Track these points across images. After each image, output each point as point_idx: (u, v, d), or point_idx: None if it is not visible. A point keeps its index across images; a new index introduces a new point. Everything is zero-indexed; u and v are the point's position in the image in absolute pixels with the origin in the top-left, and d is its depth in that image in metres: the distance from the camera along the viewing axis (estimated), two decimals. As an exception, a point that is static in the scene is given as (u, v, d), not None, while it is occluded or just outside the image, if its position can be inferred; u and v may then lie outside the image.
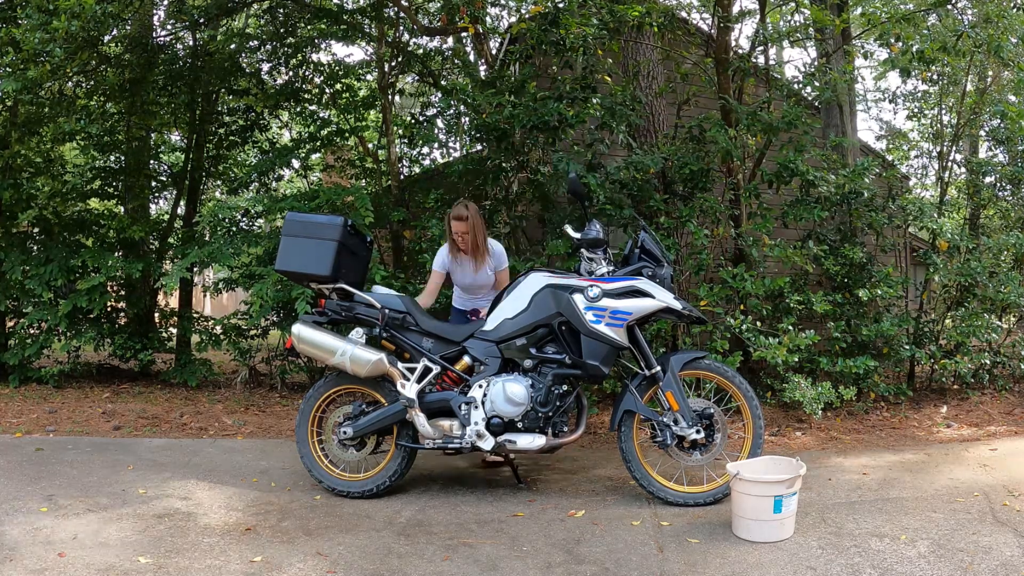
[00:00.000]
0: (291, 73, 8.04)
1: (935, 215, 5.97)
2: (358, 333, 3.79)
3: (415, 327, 3.84)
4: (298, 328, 3.78)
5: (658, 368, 3.69)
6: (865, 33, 7.04)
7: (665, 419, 3.65)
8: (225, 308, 15.69)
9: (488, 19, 6.92)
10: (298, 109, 8.03)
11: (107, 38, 6.72)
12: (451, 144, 8.37)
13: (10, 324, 6.96)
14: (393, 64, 7.66)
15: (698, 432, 3.62)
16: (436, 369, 3.75)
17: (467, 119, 6.94)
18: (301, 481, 4.02)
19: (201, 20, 7.59)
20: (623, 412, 3.70)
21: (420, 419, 3.66)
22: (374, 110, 8.69)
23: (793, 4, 7.04)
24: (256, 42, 7.84)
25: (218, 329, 7.04)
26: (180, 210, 7.87)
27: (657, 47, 6.77)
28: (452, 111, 7.26)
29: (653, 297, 3.62)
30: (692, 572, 2.89)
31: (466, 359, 3.80)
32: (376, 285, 4.26)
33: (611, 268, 3.75)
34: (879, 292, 5.54)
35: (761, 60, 6.96)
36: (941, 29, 6.02)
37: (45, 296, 6.34)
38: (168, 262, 7.26)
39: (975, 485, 3.86)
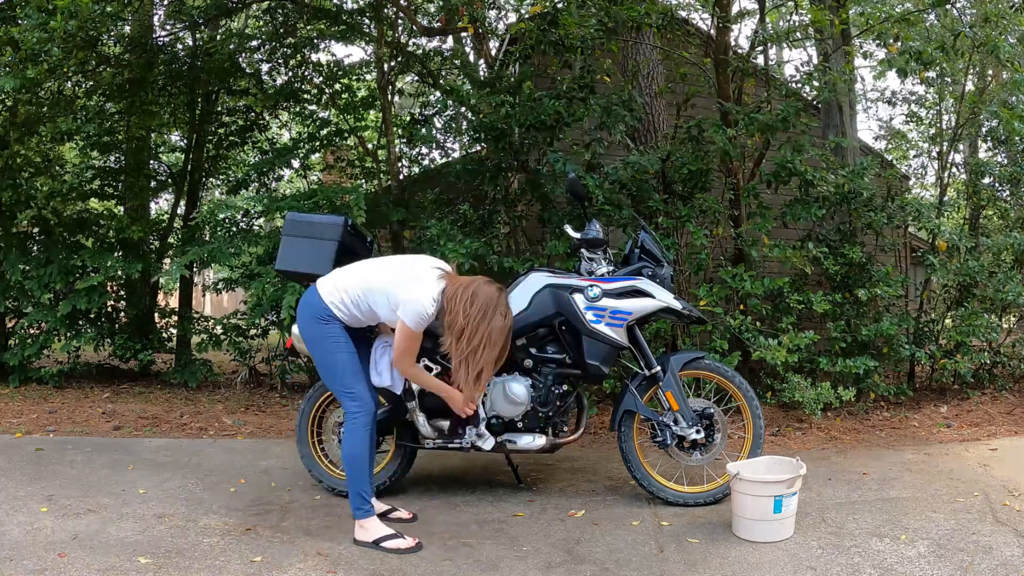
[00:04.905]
0: (290, 73, 8.03)
1: (932, 216, 5.97)
2: (358, 333, 3.78)
3: (415, 327, 3.83)
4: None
5: (658, 368, 3.69)
6: (864, 33, 7.04)
7: (665, 419, 3.65)
8: (225, 308, 15.69)
9: (487, 20, 6.92)
10: (297, 109, 8.02)
11: (106, 38, 6.72)
12: (450, 144, 8.38)
13: (10, 324, 6.96)
14: (392, 64, 7.65)
15: (698, 432, 3.62)
16: (437, 369, 3.74)
17: (466, 119, 6.94)
18: (301, 481, 4.02)
19: (201, 20, 7.59)
20: (623, 412, 3.70)
21: (420, 419, 3.66)
22: (374, 110, 8.69)
23: (792, 4, 7.04)
24: (255, 42, 7.84)
25: (218, 329, 7.04)
26: (180, 210, 7.88)
27: (656, 47, 6.76)
28: (451, 111, 7.25)
29: (653, 297, 3.62)
30: (692, 572, 2.89)
31: (466, 359, 3.79)
32: None
33: (611, 268, 3.75)
34: (879, 292, 5.54)
35: (760, 60, 6.96)
36: (939, 29, 6.02)
37: (44, 298, 6.32)
38: (168, 262, 7.26)
39: (975, 485, 3.86)
